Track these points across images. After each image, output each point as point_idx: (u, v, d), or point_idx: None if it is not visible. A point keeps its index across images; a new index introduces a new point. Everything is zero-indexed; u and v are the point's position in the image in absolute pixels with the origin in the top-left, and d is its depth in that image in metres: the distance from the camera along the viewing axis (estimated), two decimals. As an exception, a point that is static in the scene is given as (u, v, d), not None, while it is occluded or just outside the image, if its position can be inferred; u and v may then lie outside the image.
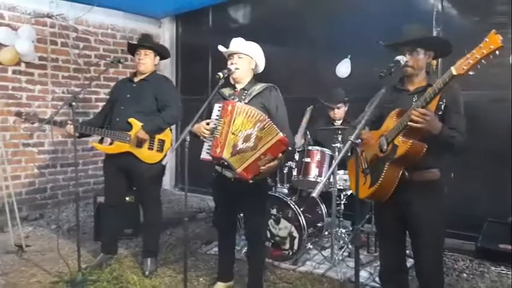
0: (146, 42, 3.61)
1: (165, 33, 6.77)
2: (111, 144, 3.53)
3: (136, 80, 3.58)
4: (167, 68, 6.77)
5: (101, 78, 5.70)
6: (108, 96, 3.93)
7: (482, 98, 3.99)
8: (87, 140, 5.26)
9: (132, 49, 3.64)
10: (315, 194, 1.78)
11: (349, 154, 2.42)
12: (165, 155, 3.54)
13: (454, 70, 1.88)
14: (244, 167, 2.65)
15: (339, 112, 4.21)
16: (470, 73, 1.84)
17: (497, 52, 1.76)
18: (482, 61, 1.80)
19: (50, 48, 5.38)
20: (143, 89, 3.53)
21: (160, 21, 6.72)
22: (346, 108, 4.25)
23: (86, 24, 5.74)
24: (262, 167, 2.66)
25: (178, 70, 6.83)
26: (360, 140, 1.92)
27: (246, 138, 2.64)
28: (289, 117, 2.92)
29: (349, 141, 1.90)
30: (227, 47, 2.92)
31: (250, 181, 2.69)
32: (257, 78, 3.02)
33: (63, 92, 5.48)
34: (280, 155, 2.69)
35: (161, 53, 3.66)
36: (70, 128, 3.38)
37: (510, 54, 3.80)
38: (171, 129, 3.63)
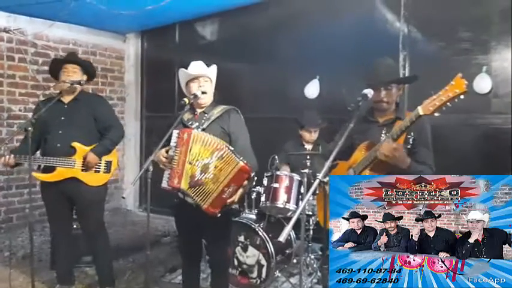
0: (73, 58, 3.42)
1: (130, 49, 6.58)
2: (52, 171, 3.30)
3: (66, 100, 3.35)
4: (131, 85, 6.60)
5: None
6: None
7: (448, 122, 4.02)
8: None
9: (56, 67, 3.35)
10: (282, 239, 1.69)
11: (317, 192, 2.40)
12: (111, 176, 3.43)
13: (421, 110, 1.94)
14: (209, 203, 2.53)
15: (315, 135, 4.15)
16: (436, 114, 1.87)
17: (461, 96, 1.80)
18: (448, 104, 1.85)
19: (7, 64, 5.13)
20: (77, 110, 3.33)
21: (125, 36, 6.53)
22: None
23: (46, 39, 5.51)
24: (229, 200, 2.56)
25: (143, 86, 6.65)
26: (327, 179, 1.88)
27: (204, 168, 2.52)
28: (256, 137, 2.83)
29: (317, 180, 1.85)
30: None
31: (219, 215, 2.58)
32: (221, 98, 2.92)
33: (20, 110, 5.23)
34: (246, 182, 2.59)
35: (88, 70, 3.44)
36: (8, 158, 3.24)
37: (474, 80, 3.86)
38: (117, 149, 3.50)
